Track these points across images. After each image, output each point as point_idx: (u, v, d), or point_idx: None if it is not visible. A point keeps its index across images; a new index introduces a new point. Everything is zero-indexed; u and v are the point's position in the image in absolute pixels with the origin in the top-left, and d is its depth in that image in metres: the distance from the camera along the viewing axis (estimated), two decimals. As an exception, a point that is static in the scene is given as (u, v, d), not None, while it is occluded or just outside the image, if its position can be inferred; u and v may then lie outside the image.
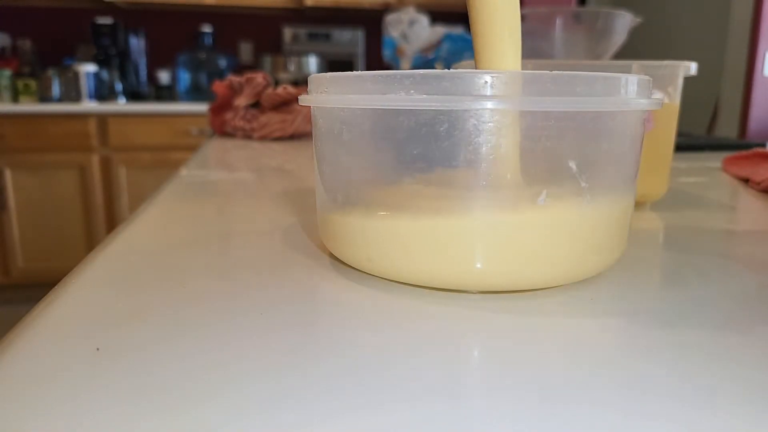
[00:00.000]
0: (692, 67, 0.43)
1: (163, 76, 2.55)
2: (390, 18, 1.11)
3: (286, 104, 0.92)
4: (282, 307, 0.24)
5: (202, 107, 2.05)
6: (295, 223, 0.37)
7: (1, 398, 0.17)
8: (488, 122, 0.23)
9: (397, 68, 1.07)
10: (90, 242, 2.17)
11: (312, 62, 2.62)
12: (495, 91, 0.22)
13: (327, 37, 2.72)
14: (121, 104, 2.28)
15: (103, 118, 2.14)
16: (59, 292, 0.25)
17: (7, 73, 2.23)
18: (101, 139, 2.15)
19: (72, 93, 2.27)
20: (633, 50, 0.72)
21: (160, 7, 2.56)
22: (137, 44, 2.56)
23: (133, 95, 2.49)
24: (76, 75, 2.27)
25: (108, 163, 2.17)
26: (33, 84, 2.25)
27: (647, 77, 0.25)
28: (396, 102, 0.23)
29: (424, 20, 1.10)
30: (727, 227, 0.42)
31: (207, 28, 2.57)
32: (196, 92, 2.46)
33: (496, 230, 0.24)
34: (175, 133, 2.19)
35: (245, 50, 2.72)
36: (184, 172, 0.59)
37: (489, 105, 0.22)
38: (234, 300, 0.24)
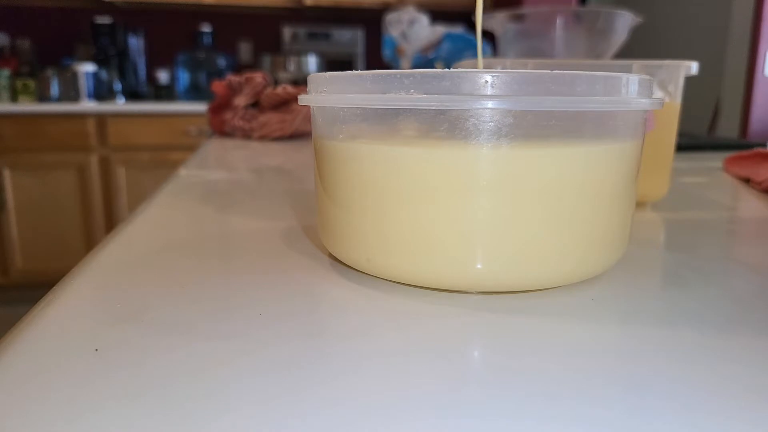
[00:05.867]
0: (693, 67, 0.42)
1: (162, 76, 2.55)
2: (390, 17, 1.11)
3: (285, 104, 0.92)
4: (281, 307, 0.24)
5: (201, 107, 2.05)
6: (295, 223, 0.37)
7: (-2, 400, 0.17)
8: (488, 122, 0.22)
9: (397, 68, 1.07)
10: (89, 242, 2.17)
11: (312, 62, 2.61)
12: (495, 91, 0.22)
13: (327, 36, 2.72)
14: (120, 104, 2.28)
15: (102, 118, 2.14)
16: (58, 292, 0.25)
17: (6, 72, 2.23)
18: (100, 139, 2.15)
19: (71, 93, 2.27)
20: (634, 50, 0.72)
21: (159, 7, 2.56)
22: (136, 44, 2.55)
23: (132, 95, 2.49)
24: (74, 75, 2.26)
25: (107, 163, 2.17)
26: (32, 84, 2.25)
27: (648, 77, 0.25)
28: (396, 101, 0.23)
29: (424, 19, 1.09)
30: (728, 227, 0.42)
31: (206, 28, 2.56)
32: (195, 92, 2.46)
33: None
34: (174, 133, 2.19)
35: (244, 50, 2.72)
36: (183, 172, 0.58)
37: (489, 105, 0.22)
38: (233, 300, 0.24)
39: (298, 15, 2.71)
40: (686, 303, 0.25)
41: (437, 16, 1.41)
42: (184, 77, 2.48)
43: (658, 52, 2.08)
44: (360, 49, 2.75)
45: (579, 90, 0.22)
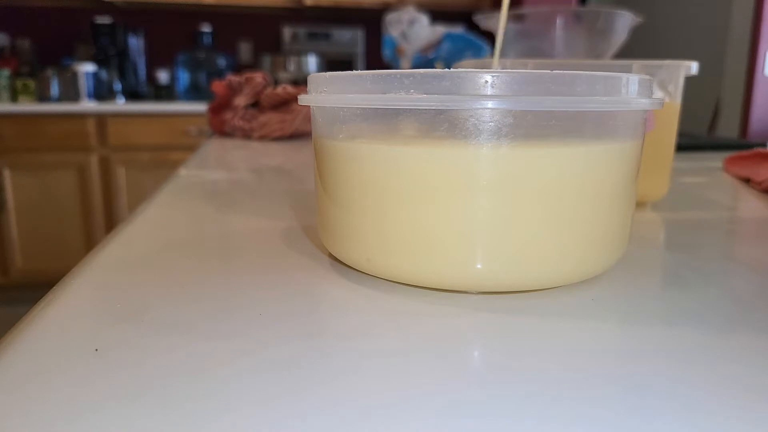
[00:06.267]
0: (693, 67, 0.42)
1: (163, 76, 2.55)
2: (390, 17, 1.11)
3: (285, 104, 0.92)
4: (281, 307, 0.24)
5: (201, 107, 2.04)
6: (295, 223, 0.37)
7: (-2, 400, 0.17)
8: (488, 122, 0.22)
9: (397, 68, 1.07)
10: (89, 242, 2.17)
11: (312, 62, 2.61)
12: (495, 91, 0.22)
13: (327, 36, 2.72)
14: (120, 104, 2.28)
15: (102, 118, 2.14)
16: (58, 292, 0.25)
17: (6, 72, 2.23)
18: (100, 139, 2.15)
19: (71, 93, 2.27)
20: (634, 50, 0.72)
21: (159, 7, 2.56)
22: (136, 44, 2.55)
23: (132, 95, 2.49)
24: (74, 75, 2.26)
25: (107, 163, 2.17)
26: (32, 84, 2.25)
27: (648, 77, 0.25)
28: (396, 101, 0.23)
29: (424, 19, 1.09)
30: (728, 227, 0.42)
31: (206, 28, 2.56)
32: (195, 92, 2.46)
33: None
34: (174, 133, 2.19)
35: (244, 50, 2.72)
36: (183, 172, 0.58)
37: (489, 105, 0.22)
38: (233, 300, 0.24)
39: (298, 15, 2.71)
40: (686, 303, 0.25)
41: (437, 16, 1.41)
42: (184, 77, 2.48)
43: (658, 52, 2.08)
44: (360, 49, 2.75)
45: (579, 90, 0.22)
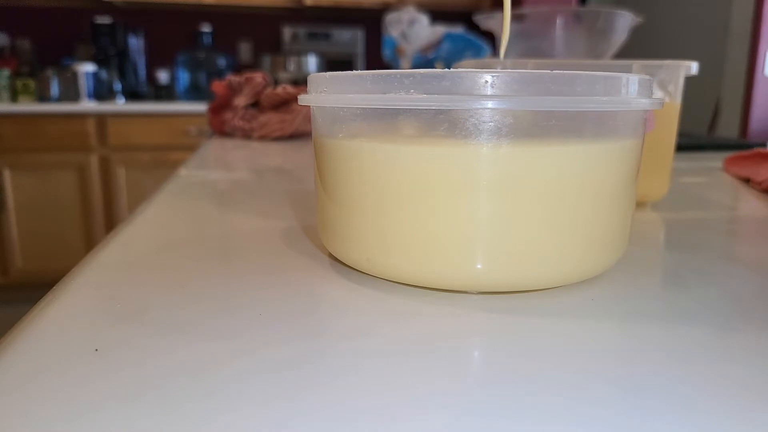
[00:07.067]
0: (693, 67, 0.42)
1: (162, 76, 2.55)
2: (390, 17, 1.11)
3: (285, 104, 0.92)
4: (281, 307, 0.24)
5: (201, 107, 2.04)
6: (295, 223, 0.37)
7: (-2, 400, 0.17)
8: (488, 122, 0.22)
9: (397, 68, 1.07)
10: (89, 242, 2.17)
11: (311, 62, 2.61)
12: (495, 91, 0.22)
13: (327, 36, 2.72)
14: (120, 104, 2.28)
15: (102, 118, 2.14)
16: (58, 292, 0.25)
17: (6, 72, 2.23)
18: (100, 139, 2.15)
19: (71, 93, 2.27)
20: (634, 50, 0.72)
21: (159, 7, 2.56)
22: (136, 44, 2.55)
23: (132, 95, 2.49)
24: (74, 75, 2.26)
25: (107, 163, 2.17)
26: (32, 84, 2.25)
27: (648, 77, 0.25)
28: (396, 102, 0.23)
29: (424, 19, 1.09)
30: (728, 227, 0.42)
31: (206, 28, 2.56)
32: (195, 92, 2.46)
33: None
34: (174, 133, 2.19)
35: (244, 50, 2.72)
36: (183, 172, 0.58)
37: (489, 105, 0.22)
38: (233, 300, 0.24)
39: (298, 15, 2.71)
40: (686, 303, 0.25)
41: (437, 16, 1.41)
42: (184, 77, 2.48)
43: (658, 52, 2.08)
44: (360, 49, 2.75)
45: (579, 90, 0.22)
